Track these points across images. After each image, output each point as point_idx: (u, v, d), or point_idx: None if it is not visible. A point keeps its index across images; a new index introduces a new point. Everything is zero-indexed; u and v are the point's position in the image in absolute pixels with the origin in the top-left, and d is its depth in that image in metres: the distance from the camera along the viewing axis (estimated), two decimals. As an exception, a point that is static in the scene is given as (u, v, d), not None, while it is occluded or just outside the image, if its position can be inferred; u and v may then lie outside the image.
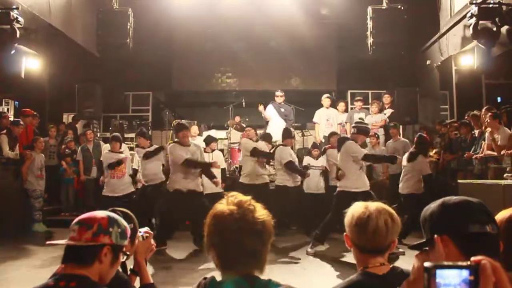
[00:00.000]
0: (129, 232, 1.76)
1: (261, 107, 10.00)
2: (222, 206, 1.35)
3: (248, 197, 1.37)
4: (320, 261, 5.84)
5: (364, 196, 5.15)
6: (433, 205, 1.27)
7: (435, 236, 1.21)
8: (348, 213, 1.74)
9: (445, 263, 0.85)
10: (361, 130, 6.33)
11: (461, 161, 7.96)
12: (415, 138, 7.19)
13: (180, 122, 8.25)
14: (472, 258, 0.86)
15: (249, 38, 11.56)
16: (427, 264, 0.85)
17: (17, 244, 6.73)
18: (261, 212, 1.34)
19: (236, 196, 1.37)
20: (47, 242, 1.73)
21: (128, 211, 2.12)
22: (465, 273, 0.84)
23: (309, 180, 8.20)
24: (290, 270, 5.37)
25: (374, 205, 1.71)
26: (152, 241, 2.06)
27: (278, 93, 9.93)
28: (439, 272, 0.84)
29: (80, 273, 1.59)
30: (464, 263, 0.85)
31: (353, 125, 6.74)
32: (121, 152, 7.52)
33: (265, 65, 12.04)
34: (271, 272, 1.36)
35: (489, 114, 6.77)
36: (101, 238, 1.62)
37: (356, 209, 1.72)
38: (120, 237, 1.68)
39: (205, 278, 1.36)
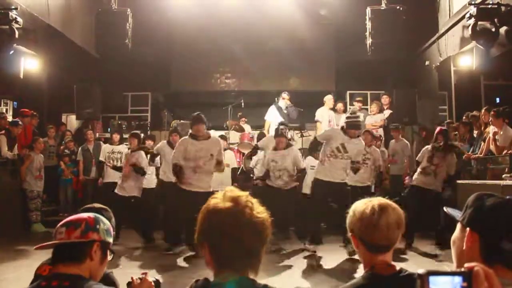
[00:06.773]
0: (112, 229, 1.80)
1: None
2: (218, 200, 1.28)
3: (245, 193, 1.30)
4: (323, 263, 5.84)
5: None
6: (487, 198, 1.22)
7: (468, 228, 1.21)
8: (355, 212, 1.65)
9: (439, 269, 0.86)
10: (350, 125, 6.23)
11: (460, 161, 7.95)
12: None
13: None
14: (466, 265, 0.86)
15: (248, 38, 11.55)
16: (420, 270, 0.86)
17: (15, 244, 6.70)
18: (260, 209, 1.28)
19: (233, 191, 1.30)
20: (35, 247, 1.69)
21: (107, 208, 2.22)
22: (458, 280, 0.84)
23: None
24: (288, 274, 5.35)
25: (377, 201, 1.64)
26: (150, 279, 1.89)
27: (285, 95, 9.67)
28: (432, 278, 0.84)
29: (73, 272, 1.60)
30: (458, 270, 0.86)
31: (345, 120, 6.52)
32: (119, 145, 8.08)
33: (264, 65, 12.02)
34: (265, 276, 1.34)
35: (492, 113, 6.76)
36: (90, 235, 1.66)
37: (363, 207, 1.63)
38: (106, 234, 1.73)
39: (196, 281, 1.29)
